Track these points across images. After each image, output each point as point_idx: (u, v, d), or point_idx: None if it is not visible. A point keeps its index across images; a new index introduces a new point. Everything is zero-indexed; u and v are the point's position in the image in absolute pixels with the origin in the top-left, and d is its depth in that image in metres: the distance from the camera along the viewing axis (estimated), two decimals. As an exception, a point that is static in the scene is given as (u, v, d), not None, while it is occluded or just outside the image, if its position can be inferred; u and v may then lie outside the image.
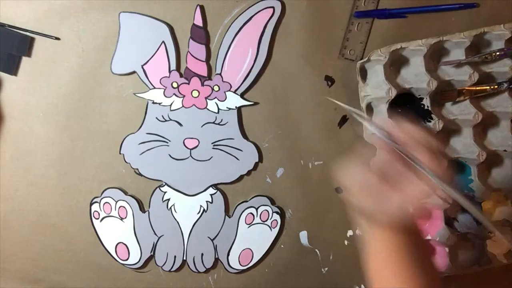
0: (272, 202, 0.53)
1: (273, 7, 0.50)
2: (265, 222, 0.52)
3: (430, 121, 0.50)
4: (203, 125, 0.51)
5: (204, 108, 0.51)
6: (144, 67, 0.50)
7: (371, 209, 0.32)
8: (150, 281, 0.53)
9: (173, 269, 0.52)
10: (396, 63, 0.51)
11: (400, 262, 0.33)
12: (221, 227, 0.52)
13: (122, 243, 0.52)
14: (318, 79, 0.52)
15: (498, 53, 0.49)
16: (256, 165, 0.52)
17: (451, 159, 0.50)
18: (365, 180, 0.31)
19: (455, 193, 0.29)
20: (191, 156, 0.51)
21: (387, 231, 0.33)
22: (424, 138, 0.31)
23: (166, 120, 0.51)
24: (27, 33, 0.49)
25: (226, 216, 0.52)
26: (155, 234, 0.52)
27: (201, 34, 0.50)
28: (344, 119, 0.53)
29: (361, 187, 0.32)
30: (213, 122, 0.51)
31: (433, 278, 0.35)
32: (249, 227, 0.52)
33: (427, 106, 0.50)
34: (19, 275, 0.52)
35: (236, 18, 0.50)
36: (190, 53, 0.50)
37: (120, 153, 0.51)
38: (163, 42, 0.50)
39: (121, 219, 0.52)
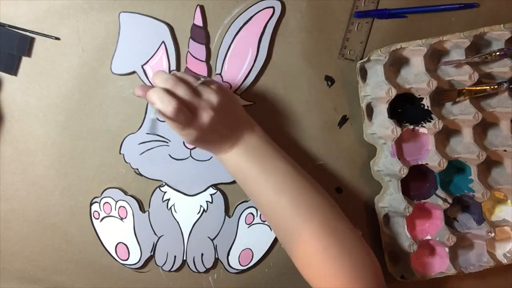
0: (272, 202, 0.53)
1: (273, 7, 0.50)
2: (265, 222, 0.52)
3: (430, 121, 0.50)
4: (203, 125, 0.51)
5: (204, 108, 0.51)
6: (144, 67, 0.50)
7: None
8: (150, 281, 0.53)
9: (173, 269, 0.52)
10: (396, 63, 0.51)
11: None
12: (221, 227, 0.52)
13: (122, 243, 0.52)
14: (318, 79, 0.52)
15: (498, 53, 0.49)
16: (256, 165, 0.52)
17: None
18: None
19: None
20: (191, 156, 0.51)
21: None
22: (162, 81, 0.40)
23: (166, 120, 0.51)
24: (27, 33, 0.49)
25: (226, 216, 0.52)
26: (155, 234, 0.52)
27: (201, 34, 0.50)
28: (344, 119, 0.53)
29: None
30: (213, 122, 0.51)
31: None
32: (249, 227, 0.52)
33: (427, 106, 0.50)
34: (19, 275, 0.52)
35: (236, 18, 0.50)
36: (190, 53, 0.50)
37: (120, 153, 0.51)
38: (163, 42, 0.50)
39: (121, 219, 0.52)
